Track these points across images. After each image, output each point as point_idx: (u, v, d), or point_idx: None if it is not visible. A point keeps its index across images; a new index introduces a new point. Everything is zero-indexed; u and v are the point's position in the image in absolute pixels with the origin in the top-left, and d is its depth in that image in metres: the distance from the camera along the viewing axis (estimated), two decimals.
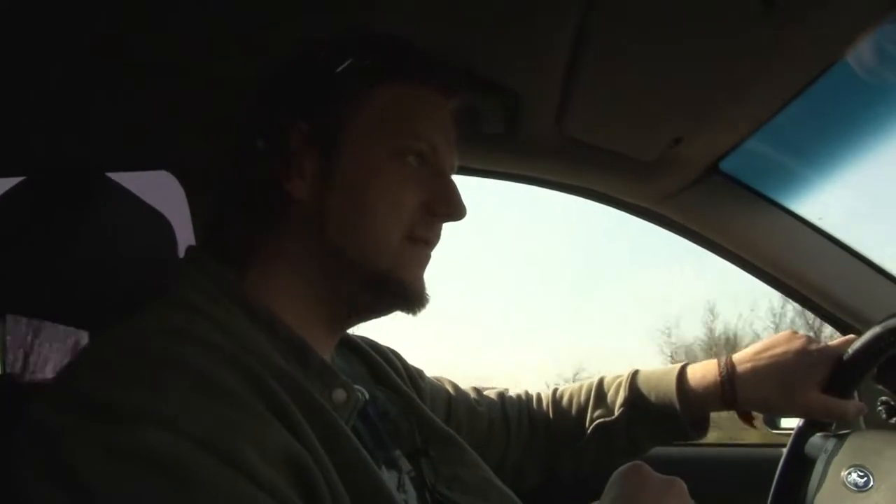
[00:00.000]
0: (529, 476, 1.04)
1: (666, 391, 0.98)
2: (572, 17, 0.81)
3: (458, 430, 0.93)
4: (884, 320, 0.88)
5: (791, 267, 1.27)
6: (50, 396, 0.53)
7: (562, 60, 0.90)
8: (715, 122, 1.03)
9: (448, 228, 0.77)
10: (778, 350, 0.94)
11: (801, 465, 0.93)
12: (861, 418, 1.19)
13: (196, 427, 0.50)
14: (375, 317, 0.76)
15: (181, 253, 0.76)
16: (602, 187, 1.29)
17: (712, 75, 0.90)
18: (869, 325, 0.90)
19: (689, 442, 1.27)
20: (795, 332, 0.96)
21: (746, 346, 0.99)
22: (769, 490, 0.95)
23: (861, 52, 0.90)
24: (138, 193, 0.87)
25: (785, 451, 0.96)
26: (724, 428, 1.71)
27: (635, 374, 1.02)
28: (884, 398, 1.00)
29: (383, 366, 0.87)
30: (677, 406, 0.96)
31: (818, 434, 0.94)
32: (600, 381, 1.05)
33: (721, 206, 1.26)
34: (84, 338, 0.96)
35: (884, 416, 1.00)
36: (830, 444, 0.91)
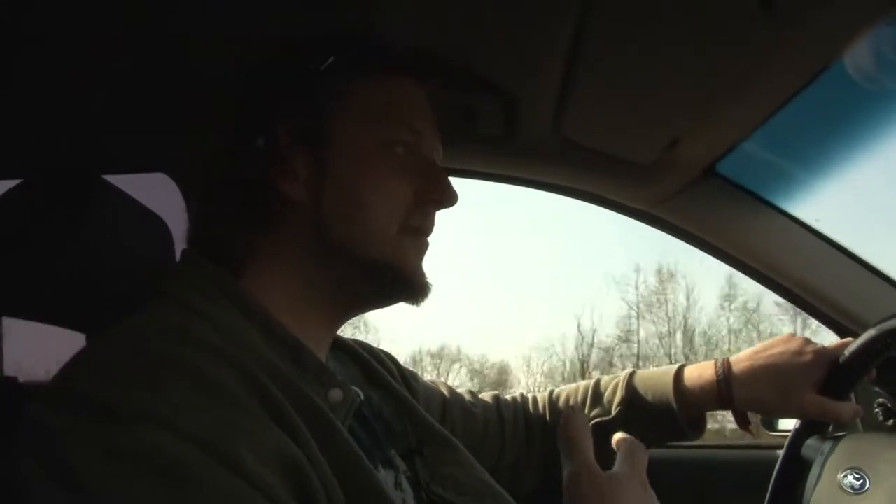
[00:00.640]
0: (526, 477, 1.04)
1: (663, 390, 0.98)
2: (570, 19, 0.81)
3: (453, 432, 0.93)
4: (879, 322, 0.88)
5: (788, 269, 1.27)
6: (49, 397, 0.53)
7: (559, 62, 0.90)
8: (712, 123, 1.03)
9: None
10: (775, 351, 0.94)
11: (797, 467, 0.93)
12: (858, 420, 1.20)
13: (194, 427, 0.50)
14: (374, 308, 0.77)
15: (178, 255, 0.76)
16: (599, 190, 1.30)
17: (710, 77, 0.90)
18: (865, 328, 0.90)
19: (684, 444, 1.27)
20: (793, 335, 0.96)
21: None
22: (766, 492, 0.95)
23: (858, 59, 0.90)
24: (135, 196, 0.87)
25: (781, 452, 0.96)
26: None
27: (632, 374, 1.03)
28: (880, 400, 1.00)
29: (377, 367, 0.88)
30: (674, 405, 0.97)
31: (814, 436, 0.94)
32: (597, 382, 1.06)
33: (718, 208, 1.26)
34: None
35: (880, 418, 1.00)
36: (827, 446, 0.91)
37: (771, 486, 0.95)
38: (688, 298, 18.03)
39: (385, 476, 0.70)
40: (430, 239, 0.77)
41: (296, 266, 0.70)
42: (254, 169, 0.70)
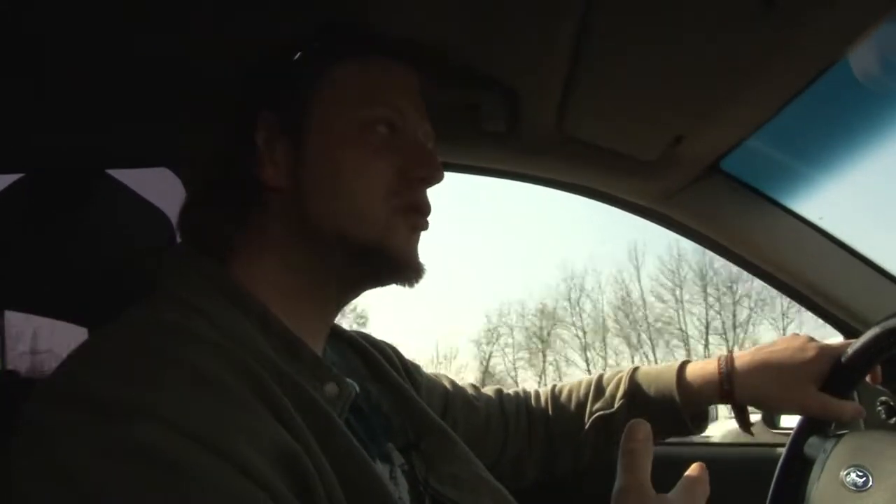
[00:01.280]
0: (528, 471, 1.04)
1: (666, 384, 0.99)
2: (573, 15, 0.81)
3: (455, 425, 0.93)
4: (882, 321, 0.88)
5: (791, 266, 1.27)
6: (45, 394, 0.53)
7: (563, 59, 0.90)
8: (716, 120, 1.03)
9: None
10: (778, 347, 0.95)
11: (799, 465, 0.93)
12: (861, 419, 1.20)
13: (191, 422, 0.50)
14: (367, 289, 0.76)
15: None
16: (603, 186, 1.29)
17: (713, 74, 0.90)
18: (869, 325, 0.90)
19: (685, 441, 1.27)
20: (797, 335, 0.97)
21: None
22: (768, 490, 0.95)
23: (862, 61, 0.90)
24: (137, 189, 0.87)
25: (784, 450, 0.96)
26: None
27: (635, 369, 1.04)
28: (883, 398, 0.99)
29: (379, 360, 0.88)
30: (677, 398, 0.97)
31: (817, 434, 0.94)
32: (599, 377, 1.06)
33: (721, 205, 1.26)
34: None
35: (883, 416, 0.99)
36: (829, 443, 0.90)
37: (773, 483, 0.95)
38: None
39: (381, 470, 0.70)
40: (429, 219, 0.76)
41: (283, 254, 0.70)
42: (234, 159, 0.70)
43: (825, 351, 0.92)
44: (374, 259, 0.71)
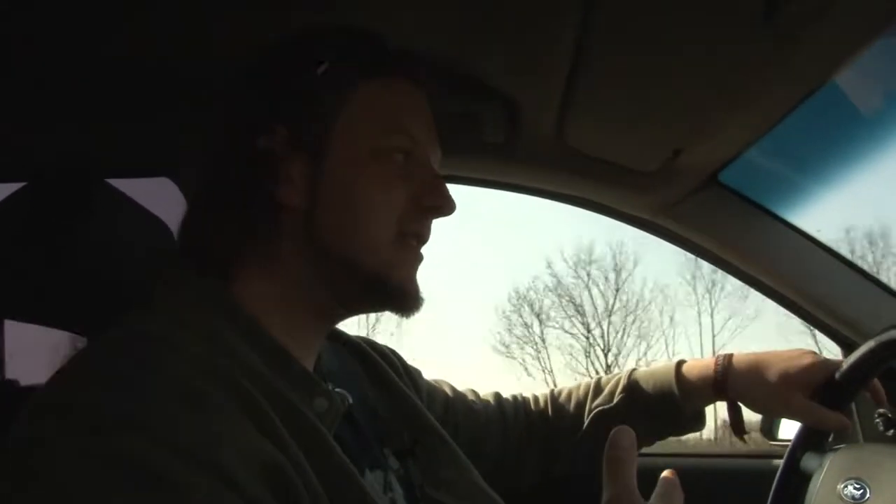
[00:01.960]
0: (527, 473, 1.05)
1: (664, 379, 1.00)
2: (573, 27, 0.82)
3: (455, 429, 0.93)
4: (878, 334, 0.88)
5: (789, 278, 1.27)
6: (33, 407, 0.53)
7: (562, 70, 0.91)
8: (715, 133, 1.03)
9: None
10: (779, 352, 0.97)
11: (797, 477, 0.93)
12: (859, 431, 1.20)
13: (176, 436, 0.50)
14: (366, 313, 0.77)
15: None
16: (601, 198, 1.30)
17: (712, 86, 0.90)
18: (867, 338, 0.90)
19: (682, 452, 1.27)
20: (803, 348, 0.98)
21: None
22: (765, 502, 0.95)
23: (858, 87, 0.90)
24: (138, 199, 0.87)
25: (782, 462, 0.96)
26: None
27: (633, 370, 1.05)
28: (881, 410, 1.00)
29: (380, 364, 0.88)
30: (676, 391, 0.98)
31: (814, 446, 0.94)
32: (598, 379, 1.08)
33: (720, 217, 1.26)
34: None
35: (881, 428, 1.00)
36: (827, 456, 0.90)
37: (771, 495, 0.95)
38: None
39: (373, 479, 0.70)
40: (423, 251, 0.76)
41: (289, 271, 0.70)
42: (249, 172, 0.69)
43: (823, 363, 0.93)
44: (379, 288, 0.71)
